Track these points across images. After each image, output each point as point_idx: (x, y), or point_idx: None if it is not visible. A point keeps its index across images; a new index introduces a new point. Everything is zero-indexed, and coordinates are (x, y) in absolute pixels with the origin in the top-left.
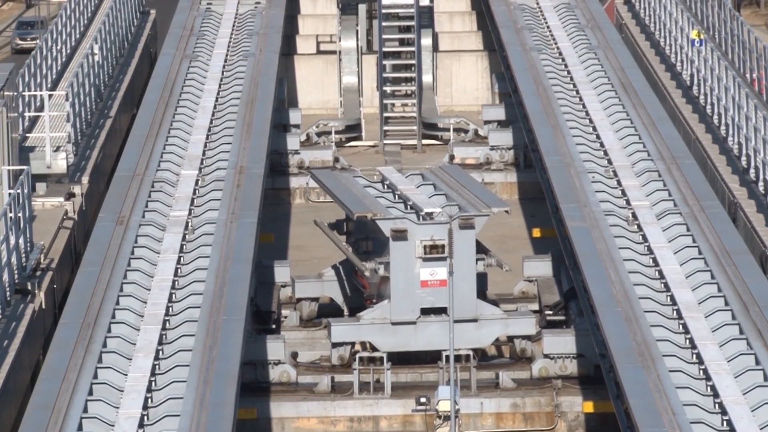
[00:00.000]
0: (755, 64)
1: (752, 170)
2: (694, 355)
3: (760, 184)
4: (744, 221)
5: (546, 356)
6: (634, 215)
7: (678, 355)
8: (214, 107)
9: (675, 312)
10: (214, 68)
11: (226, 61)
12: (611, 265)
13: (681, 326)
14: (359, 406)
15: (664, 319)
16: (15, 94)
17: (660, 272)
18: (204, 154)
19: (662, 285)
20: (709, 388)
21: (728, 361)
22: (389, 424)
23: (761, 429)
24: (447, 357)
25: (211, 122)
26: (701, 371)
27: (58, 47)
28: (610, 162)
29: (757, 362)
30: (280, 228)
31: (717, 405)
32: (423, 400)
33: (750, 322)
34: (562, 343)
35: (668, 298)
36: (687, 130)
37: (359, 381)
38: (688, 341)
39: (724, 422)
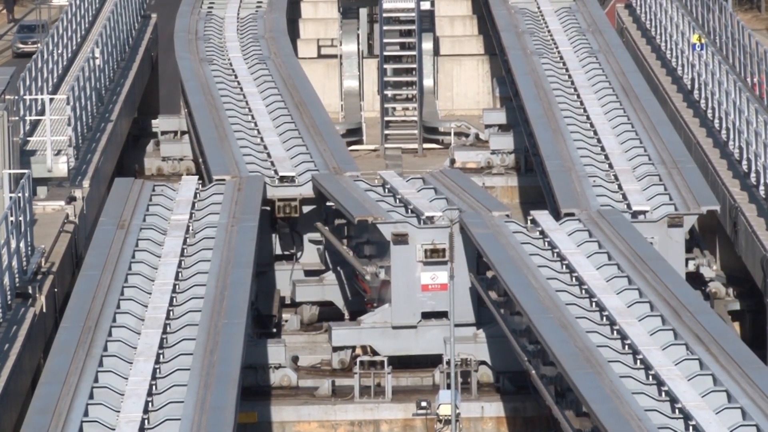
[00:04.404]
0: (756, 68)
1: (753, 174)
2: (639, 361)
3: (761, 188)
4: (745, 225)
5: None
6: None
7: (622, 360)
8: (267, 110)
9: (605, 318)
10: (240, 71)
11: (246, 63)
12: (529, 272)
13: (616, 332)
14: (360, 410)
15: (596, 325)
16: (16, 97)
17: (578, 278)
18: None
19: (584, 291)
20: (664, 393)
21: (675, 365)
22: (390, 428)
23: None
24: (448, 361)
25: (272, 124)
26: (651, 376)
27: (60, 51)
28: (611, 166)
29: (702, 366)
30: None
31: (678, 410)
32: (424, 404)
33: (685, 327)
34: (465, 349)
35: (594, 303)
36: (688, 134)
37: (360, 385)
38: (627, 347)
39: (690, 427)
